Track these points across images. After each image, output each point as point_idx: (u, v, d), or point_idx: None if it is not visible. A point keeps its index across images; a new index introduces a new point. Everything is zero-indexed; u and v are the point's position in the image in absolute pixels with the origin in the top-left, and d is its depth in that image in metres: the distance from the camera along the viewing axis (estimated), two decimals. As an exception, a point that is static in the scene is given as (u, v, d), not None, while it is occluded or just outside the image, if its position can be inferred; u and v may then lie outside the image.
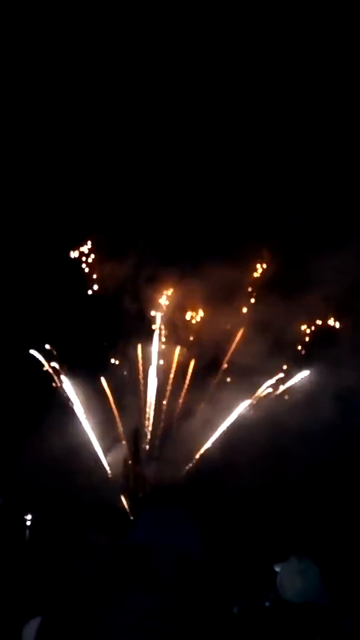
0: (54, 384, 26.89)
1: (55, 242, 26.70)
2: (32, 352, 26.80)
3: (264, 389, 27.10)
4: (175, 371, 28.27)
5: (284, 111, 25.17)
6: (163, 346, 28.00)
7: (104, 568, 1.43)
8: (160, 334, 28.18)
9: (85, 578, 1.36)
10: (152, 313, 28.04)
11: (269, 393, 27.28)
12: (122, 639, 1.30)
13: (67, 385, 26.76)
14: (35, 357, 26.81)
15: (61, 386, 26.91)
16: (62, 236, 26.75)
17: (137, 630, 1.30)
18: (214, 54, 24.93)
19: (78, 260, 28.49)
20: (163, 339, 28.24)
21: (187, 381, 27.99)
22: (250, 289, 28.11)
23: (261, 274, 28.14)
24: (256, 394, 26.92)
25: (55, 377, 26.91)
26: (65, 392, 26.87)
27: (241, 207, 26.43)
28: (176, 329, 28.43)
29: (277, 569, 2.36)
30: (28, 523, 24.19)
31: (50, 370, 26.88)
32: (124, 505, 26.32)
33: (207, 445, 26.72)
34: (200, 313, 28.71)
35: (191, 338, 28.44)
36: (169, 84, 25.56)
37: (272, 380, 27.13)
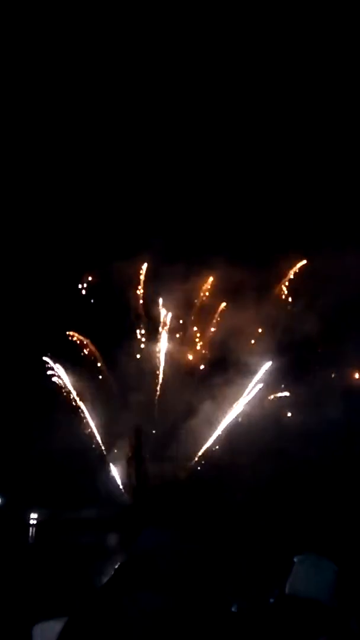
0: (59, 384, 26.96)
1: (69, 249, 26.64)
2: (36, 353, 26.90)
3: (269, 391, 27.11)
4: (182, 370, 28.30)
5: (307, 120, 25.02)
6: (169, 345, 28.09)
7: (119, 572, 1.62)
8: (167, 333, 28.30)
9: (104, 582, 1.56)
10: (161, 312, 28.21)
11: (273, 394, 27.27)
12: (137, 636, 1.46)
13: (72, 384, 26.84)
14: (40, 358, 26.89)
15: (66, 385, 26.99)
16: (75, 240, 26.67)
17: (151, 628, 1.46)
18: (229, 66, 24.76)
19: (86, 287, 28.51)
20: (167, 337, 28.31)
21: (193, 380, 28.03)
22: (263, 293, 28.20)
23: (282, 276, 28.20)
24: (260, 396, 26.94)
25: (60, 376, 26.97)
26: (70, 391, 26.95)
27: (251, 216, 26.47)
28: (185, 329, 28.51)
29: (296, 559, 2.39)
30: (33, 522, 24.19)
31: (54, 370, 26.94)
32: (128, 502, 26.33)
33: (210, 444, 26.74)
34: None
35: (199, 340, 28.51)
36: (184, 96, 25.49)
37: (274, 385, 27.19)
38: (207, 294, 28.25)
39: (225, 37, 24.17)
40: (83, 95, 25.41)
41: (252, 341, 27.56)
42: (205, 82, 25.72)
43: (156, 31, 24.17)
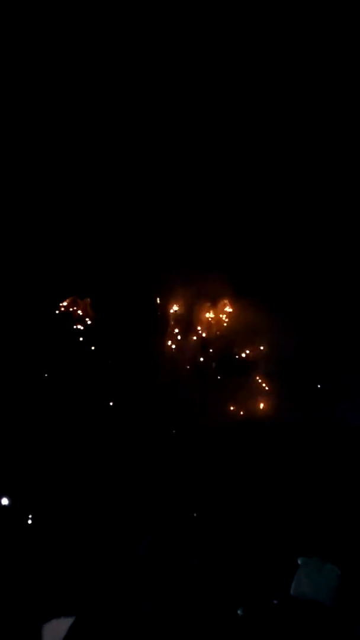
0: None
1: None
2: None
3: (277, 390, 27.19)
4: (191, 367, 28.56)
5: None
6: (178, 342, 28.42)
7: (125, 578, 1.81)
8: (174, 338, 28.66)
9: (108, 586, 1.69)
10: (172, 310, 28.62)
11: (280, 394, 27.32)
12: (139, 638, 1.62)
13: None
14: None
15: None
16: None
17: (153, 631, 1.63)
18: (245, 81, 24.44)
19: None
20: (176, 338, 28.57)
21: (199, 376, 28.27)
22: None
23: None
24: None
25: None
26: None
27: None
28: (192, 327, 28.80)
29: (300, 561, 2.41)
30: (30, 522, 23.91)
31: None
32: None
33: (214, 445, 26.81)
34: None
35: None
36: (206, 115, 25.29)
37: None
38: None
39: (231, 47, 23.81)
40: (90, 118, 25.40)
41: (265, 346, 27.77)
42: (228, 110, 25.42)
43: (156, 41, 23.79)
